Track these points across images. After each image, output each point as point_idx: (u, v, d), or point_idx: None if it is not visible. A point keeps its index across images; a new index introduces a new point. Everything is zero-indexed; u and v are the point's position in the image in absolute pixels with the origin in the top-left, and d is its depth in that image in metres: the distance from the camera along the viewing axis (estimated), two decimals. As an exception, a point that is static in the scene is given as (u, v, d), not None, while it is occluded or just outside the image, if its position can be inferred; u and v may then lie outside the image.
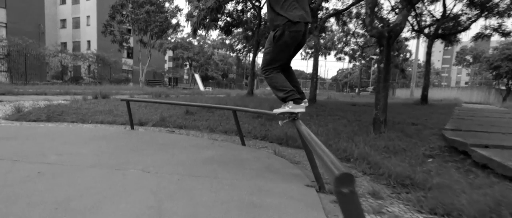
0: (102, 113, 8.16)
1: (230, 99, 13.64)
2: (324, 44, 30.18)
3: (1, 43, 24.46)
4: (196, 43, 39.49)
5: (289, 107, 2.67)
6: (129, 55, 44.12)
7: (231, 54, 58.11)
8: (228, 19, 17.07)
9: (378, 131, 6.23)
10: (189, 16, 13.58)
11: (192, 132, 6.87)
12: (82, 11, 41.33)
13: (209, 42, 41.15)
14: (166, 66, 57.10)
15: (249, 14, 17.05)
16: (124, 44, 26.76)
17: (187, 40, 37.77)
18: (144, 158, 3.80)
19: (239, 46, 47.56)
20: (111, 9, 24.68)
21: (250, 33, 19.22)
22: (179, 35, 36.04)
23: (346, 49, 29.76)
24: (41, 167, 3.15)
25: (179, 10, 25.81)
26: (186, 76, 63.71)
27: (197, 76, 32.37)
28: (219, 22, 16.67)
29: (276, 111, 2.79)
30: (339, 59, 31.58)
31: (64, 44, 42.34)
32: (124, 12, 24.10)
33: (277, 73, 2.67)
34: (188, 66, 43.34)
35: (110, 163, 3.48)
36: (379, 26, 13.92)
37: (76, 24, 42.39)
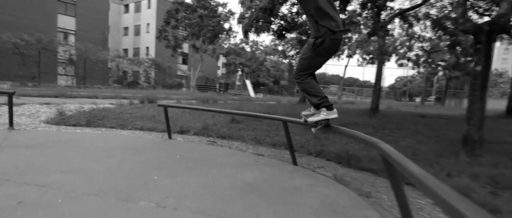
0: (143, 119, 7.65)
1: (280, 106, 12.65)
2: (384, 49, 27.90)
3: (63, 48, 26.02)
4: (248, 49, 39.13)
5: (324, 115, 2.70)
6: (184, 61, 45.32)
7: (283, 60, 57.22)
8: (282, 22, 16.16)
9: (471, 153, 4.79)
10: (241, 18, 12.92)
11: (236, 144, 5.99)
12: (143, 18, 43.41)
13: (261, 48, 40.50)
14: (219, 72, 57.97)
15: (304, 16, 15.97)
16: (178, 49, 27.08)
17: (240, 46, 37.49)
18: (167, 181, 2.95)
19: (292, 52, 46.58)
20: (166, 14, 25.11)
21: (304, 37, 18.12)
22: (232, 41, 36.04)
23: (410, 54, 27.20)
24: (29, 192, 2.42)
25: (232, 14, 25.51)
26: (238, 82, 64.04)
27: (248, 82, 31.80)
28: (272, 26, 15.83)
29: (312, 119, 2.80)
30: (401, 65, 29.01)
31: (125, 50, 44.78)
32: (178, 17, 24.30)
33: (311, 79, 2.71)
34: (240, 72, 43.27)
35: (121, 187, 2.67)
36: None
37: (137, 31, 44.63)
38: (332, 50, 2.64)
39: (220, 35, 26.67)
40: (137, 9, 44.43)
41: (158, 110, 9.20)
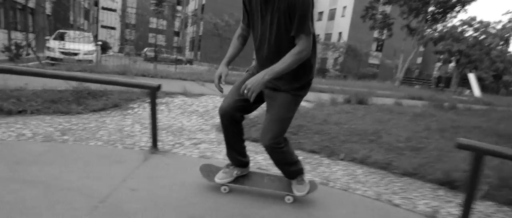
0: (362, 138, 4.37)
1: None
2: None
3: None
4: (471, 32, 29.45)
5: (307, 186, 2.25)
6: (378, 48, 39.98)
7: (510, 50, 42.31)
8: None
9: None
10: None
11: None
12: (340, 1, 40.57)
13: (493, 31, 29.69)
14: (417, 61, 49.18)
15: None
16: (387, 30, 22.28)
17: (459, 29, 28.50)
18: None
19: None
20: (379, -12, 20.71)
21: None
22: (455, 21, 27.63)
23: None
24: None
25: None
26: (434, 74, 52.94)
27: (471, 77, 23.69)
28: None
29: (302, 193, 2.20)
30: None
31: (317, 36, 43.45)
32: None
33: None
34: (453, 63, 33.82)
35: None
36: None
37: (332, 16, 42.33)
38: None
39: (453, 11, 19.98)
40: (335, -7, 41.99)
41: (380, 117, 5.76)
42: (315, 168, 3.31)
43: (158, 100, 5.33)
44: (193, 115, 4.97)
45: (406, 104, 8.29)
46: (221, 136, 4.04)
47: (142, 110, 4.90)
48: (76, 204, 1.78)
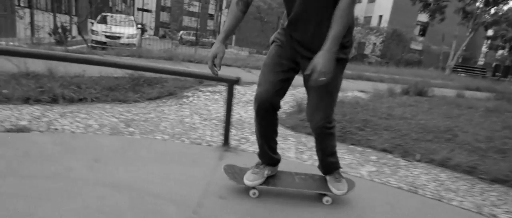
0: (436, 136, 3.98)
1: None
2: None
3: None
4: None
5: (346, 184, 1.96)
6: (420, 32, 37.75)
7: None
8: None
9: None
10: None
11: None
12: (381, -17, 38.52)
13: None
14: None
15: None
16: (439, 14, 20.69)
17: None
18: None
19: None
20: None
21: None
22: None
23: None
24: None
25: None
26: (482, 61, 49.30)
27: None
28: None
29: (342, 191, 1.91)
30: None
31: (355, 19, 41.59)
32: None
33: None
34: (506, 50, 31.04)
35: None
36: None
37: (372, -3, 40.39)
38: None
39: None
40: (377, -28, 39.81)
41: (446, 112, 5.28)
42: (395, 171, 3.00)
43: (211, 89, 5.20)
44: (248, 105, 4.77)
45: (469, 96, 7.64)
46: (283, 130, 3.84)
47: (197, 99, 4.77)
48: (170, 214, 1.62)
